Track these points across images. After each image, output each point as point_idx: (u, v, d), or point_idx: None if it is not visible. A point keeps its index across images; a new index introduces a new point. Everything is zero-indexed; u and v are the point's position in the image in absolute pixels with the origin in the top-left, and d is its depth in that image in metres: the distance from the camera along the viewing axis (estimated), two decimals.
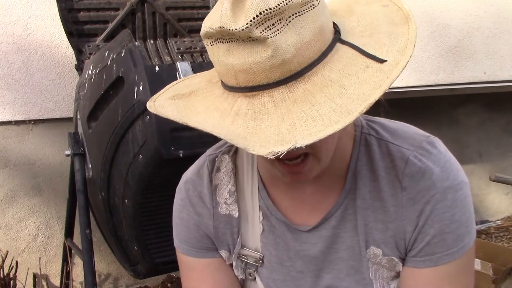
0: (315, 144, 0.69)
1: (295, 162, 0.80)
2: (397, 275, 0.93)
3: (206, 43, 0.75)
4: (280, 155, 0.65)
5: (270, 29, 0.68)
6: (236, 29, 0.68)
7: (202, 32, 0.74)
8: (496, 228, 3.52)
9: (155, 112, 0.82)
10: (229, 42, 0.71)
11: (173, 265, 2.00)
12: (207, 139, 1.07)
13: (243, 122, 0.72)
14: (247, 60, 0.70)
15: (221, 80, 0.79)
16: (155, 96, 0.85)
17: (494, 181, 2.47)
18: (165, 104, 0.83)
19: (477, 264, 2.34)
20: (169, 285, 2.76)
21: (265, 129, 0.69)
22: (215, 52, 0.74)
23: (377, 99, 0.68)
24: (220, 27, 0.70)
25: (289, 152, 0.68)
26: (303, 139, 0.66)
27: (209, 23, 0.72)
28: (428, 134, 0.92)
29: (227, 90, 0.77)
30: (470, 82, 3.09)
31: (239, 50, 0.71)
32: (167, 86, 0.88)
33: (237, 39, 0.70)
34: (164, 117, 0.81)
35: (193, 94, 0.83)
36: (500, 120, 3.77)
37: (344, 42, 0.76)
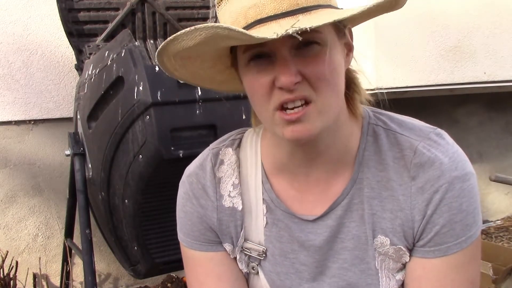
0: (318, 86, 0.79)
1: (296, 110, 0.81)
2: (403, 267, 0.94)
3: (221, 7, 0.81)
4: (282, 36, 0.70)
5: None
6: None
7: None
8: (496, 228, 3.52)
9: (165, 70, 0.88)
10: None
11: (173, 265, 2.01)
12: (207, 139, 1.08)
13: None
14: None
15: None
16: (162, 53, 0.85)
17: (494, 181, 2.47)
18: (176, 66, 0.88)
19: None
20: (169, 285, 2.76)
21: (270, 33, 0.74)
22: (228, 7, 0.80)
23: (374, 4, 0.78)
24: None
25: (291, 91, 0.78)
26: (303, 23, 0.71)
27: None
28: (435, 127, 0.94)
29: None
30: (470, 82, 3.08)
31: None
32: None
33: None
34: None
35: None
36: (500, 120, 3.76)
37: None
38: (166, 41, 0.80)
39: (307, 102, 0.81)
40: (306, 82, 0.80)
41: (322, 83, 0.80)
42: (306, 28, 0.70)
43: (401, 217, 0.90)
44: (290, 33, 0.70)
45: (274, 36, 0.69)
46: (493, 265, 2.35)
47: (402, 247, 0.91)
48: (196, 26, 0.75)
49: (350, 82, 0.93)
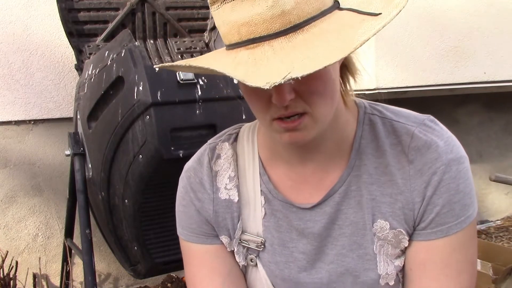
0: (313, 100, 0.80)
1: (292, 118, 0.83)
2: (401, 253, 0.95)
3: (213, 9, 0.81)
4: (276, 84, 0.68)
5: None
6: None
7: None
8: (496, 228, 3.52)
9: (161, 67, 0.88)
10: (233, 0, 0.77)
11: (173, 265, 2.01)
12: (207, 139, 1.08)
13: (244, 68, 0.76)
14: (249, 13, 0.76)
15: (225, 46, 0.85)
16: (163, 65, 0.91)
17: (494, 181, 2.47)
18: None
19: (477, 264, 2.34)
20: (169, 285, 2.76)
21: (264, 71, 0.74)
22: (221, 14, 0.80)
23: (370, 37, 0.74)
24: None
25: (285, 107, 0.79)
26: (298, 71, 0.69)
27: None
28: (428, 115, 0.97)
29: (231, 49, 0.82)
30: (470, 82, 3.09)
31: (242, 5, 0.76)
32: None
33: None
34: (169, 69, 0.88)
35: (198, 58, 0.90)
36: (500, 120, 3.77)
37: (342, 9, 0.82)
38: (163, 65, 0.83)
39: (302, 114, 0.83)
40: (300, 98, 0.81)
41: (317, 97, 0.82)
42: (298, 78, 0.69)
43: (401, 200, 0.92)
44: (282, 82, 0.69)
45: (267, 87, 0.69)
46: (493, 265, 2.35)
47: (402, 231, 0.93)
48: (191, 63, 0.80)
49: (342, 68, 0.94)
